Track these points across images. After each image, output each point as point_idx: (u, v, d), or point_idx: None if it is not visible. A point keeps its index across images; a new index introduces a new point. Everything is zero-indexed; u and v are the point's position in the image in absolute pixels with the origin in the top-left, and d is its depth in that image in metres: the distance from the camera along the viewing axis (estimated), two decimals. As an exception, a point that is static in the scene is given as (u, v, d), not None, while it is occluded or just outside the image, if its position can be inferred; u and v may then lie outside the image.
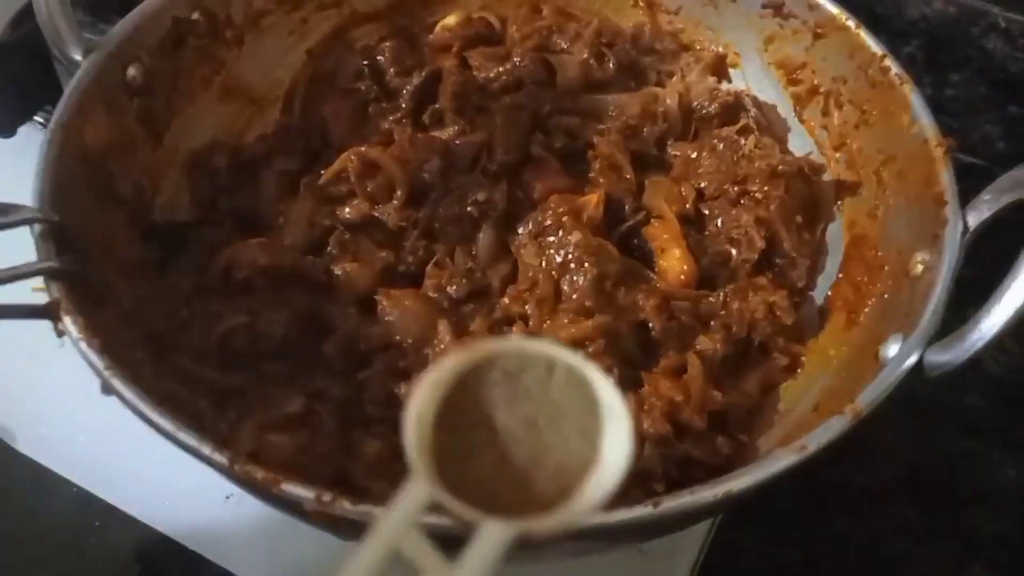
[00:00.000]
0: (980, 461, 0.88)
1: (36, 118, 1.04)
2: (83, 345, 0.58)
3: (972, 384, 0.93)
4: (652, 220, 0.81)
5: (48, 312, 0.60)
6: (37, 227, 0.64)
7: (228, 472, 0.54)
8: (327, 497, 0.52)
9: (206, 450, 0.54)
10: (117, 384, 0.57)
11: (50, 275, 0.61)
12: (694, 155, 0.85)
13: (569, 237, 0.74)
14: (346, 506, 0.52)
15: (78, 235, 0.67)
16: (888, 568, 0.82)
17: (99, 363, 0.58)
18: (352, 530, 0.56)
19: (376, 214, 0.79)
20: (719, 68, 0.93)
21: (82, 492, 0.81)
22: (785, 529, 0.83)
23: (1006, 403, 0.92)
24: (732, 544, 0.80)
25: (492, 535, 0.42)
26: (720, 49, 0.93)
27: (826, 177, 0.84)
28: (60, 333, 0.60)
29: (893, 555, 0.83)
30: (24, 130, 1.02)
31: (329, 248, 0.80)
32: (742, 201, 0.81)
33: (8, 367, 0.88)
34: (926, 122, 0.74)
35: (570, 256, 0.73)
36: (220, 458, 0.54)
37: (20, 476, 0.83)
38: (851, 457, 0.86)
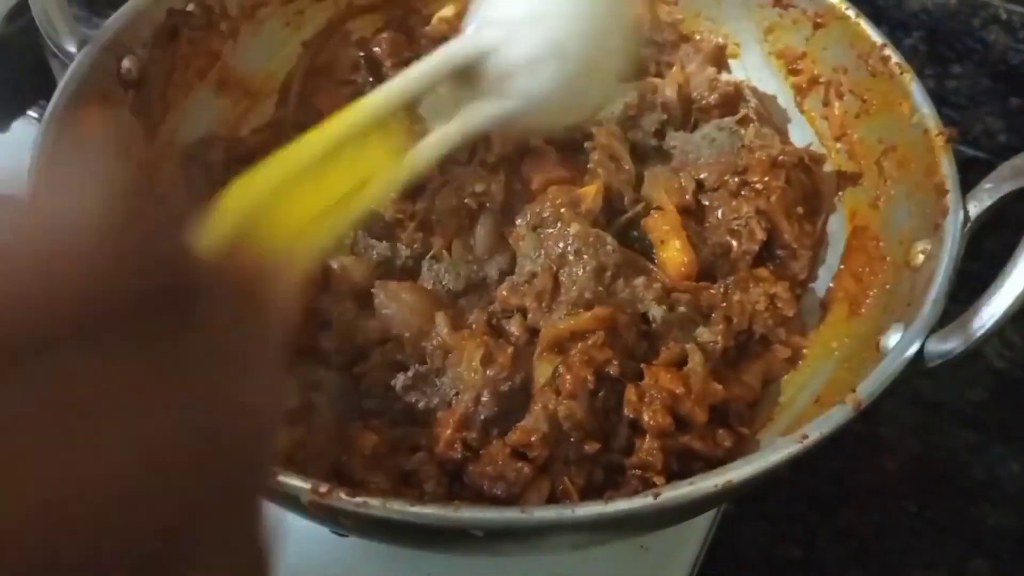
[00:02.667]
0: (983, 455, 0.88)
1: (30, 113, 1.04)
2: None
3: (975, 378, 0.93)
4: (651, 211, 0.80)
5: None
6: (31, 220, 0.63)
7: (223, 465, 0.53)
8: (324, 489, 0.52)
9: (201, 442, 0.53)
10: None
11: (44, 267, 0.61)
12: (694, 146, 0.85)
13: (568, 229, 0.74)
14: (343, 498, 0.51)
15: (72, 228, 0.66)
16: (890, 562, 0.82)
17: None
18: (350, 523, 0.56)
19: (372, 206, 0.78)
20: (719, 58, 0.93)
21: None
22: (787, 524, 0.83)
23: (1009, 397, 0.92)
24: (734, 539, 0.80)
25: None
26: (720, 39, 0.93)
27: (827, 168, 0.84)
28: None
29: (895, 549, 0.82)
30: (18, 125, 1.02)
31: (325, 241, 0.80)
32: (742, 192, 0.80)
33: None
34: (927, 111, 0.74)
35: (569, 248, 0.73)
36: (215, 450, 0.53)
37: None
38: (853, 451, 0.86)
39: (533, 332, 0.71)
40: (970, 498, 0.85)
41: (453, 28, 0.93)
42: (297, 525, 0.73)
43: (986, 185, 0.67)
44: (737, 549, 0.80)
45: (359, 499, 0.52)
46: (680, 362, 0.70)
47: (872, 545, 0.83)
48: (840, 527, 0.83)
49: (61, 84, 0.72)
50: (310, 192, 0.43)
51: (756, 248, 0.78)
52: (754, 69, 0.92)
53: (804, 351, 0.75)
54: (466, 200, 0.78)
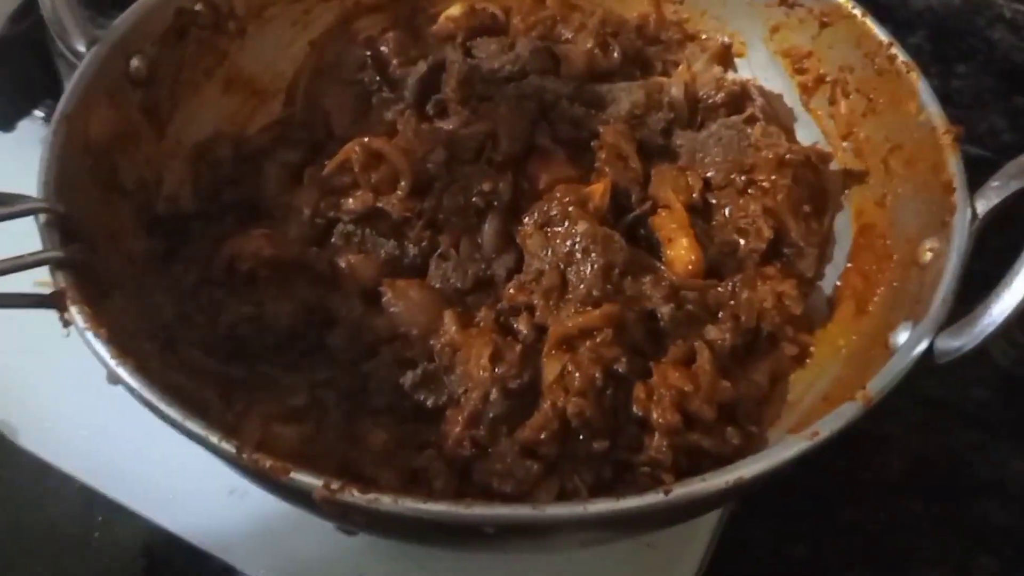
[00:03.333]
0: (987, 453, 0.88)
1: (36, 112, 1.04)
2: (89, 335, 0.58)
3: (979, 377, 0.92)
4: (659, 210, 0.80)
5: (54, 302, 0.60)
6: (42, 217, 0.63)
7: (236, 461, 0.53)
8: (335, 485, 0.51)
9: (214, 439, 0.54)
10: (124, 374, 0.56)
11: (55, 264, 0.61)
12: (700, 144, 0.85)
13: (575, 227, 0.74)
14: (355, 494, 0.51)
15: (83, 225, 0.66)
16: (895, 560, 0.82)
17: (106, 353, 0.57)
18: (361, 520, 0.56)
19: (380, 205, 0.78)
20: (725, 57, 0.93)
21: (85, 488, 0.81)
22: (793, 522, 0.83)
23: (1013, 396, 0.92)
24: (740, 538, 0.80)
25: None
26: (726, 38, 0.94)
27: (833, 166, 0.84)
28: (66, 323, 0.60)
29: (900, 547, 0.82)
30: (24, 124, 1.02)
31: (333, 239, 0.80)
32: (749, 191, 0.81)
33: (10, 362, 0.88)
34: (934, 110, 0.74)
35: (576, 246, 0.73)
36: (228, 447, 0.53)
37: (23, 471, 0.83)
38: (858, 450, 0.86)
39: (541, 330, 0.72)
40: (975, 496, 0.85)
41: (460, 27, 0.93)
42: (304, 523, 0.74)
43: (993, 183, 0.67)
44: (743, 547, 0.80)
45: (370, 495, 0.52)
46: (688, 360, 0.71)
47: (877, 543, 0.83)
48: (845, 525, 0.83)
49: (71, 83, 0.72)
50: None
51: (763, 246, 0.79)
52: (760, 68, 0.92)
53: (812, 349, 0.76)
54: (474, 199, 0.78)
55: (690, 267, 0.77)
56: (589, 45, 0.91)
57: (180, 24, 0.82)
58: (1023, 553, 0.82)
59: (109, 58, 0.75)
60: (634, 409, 0.68)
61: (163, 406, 0.55)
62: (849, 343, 0.73)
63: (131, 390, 0.56)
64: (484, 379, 0.67)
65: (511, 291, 0.75)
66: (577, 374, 0.67)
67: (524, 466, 0.65)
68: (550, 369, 0.68)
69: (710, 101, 0.88)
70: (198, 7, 0.83)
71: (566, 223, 0.75)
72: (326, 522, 0.70)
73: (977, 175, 0.69)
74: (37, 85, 1.01)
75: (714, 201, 0.82)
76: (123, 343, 0.59)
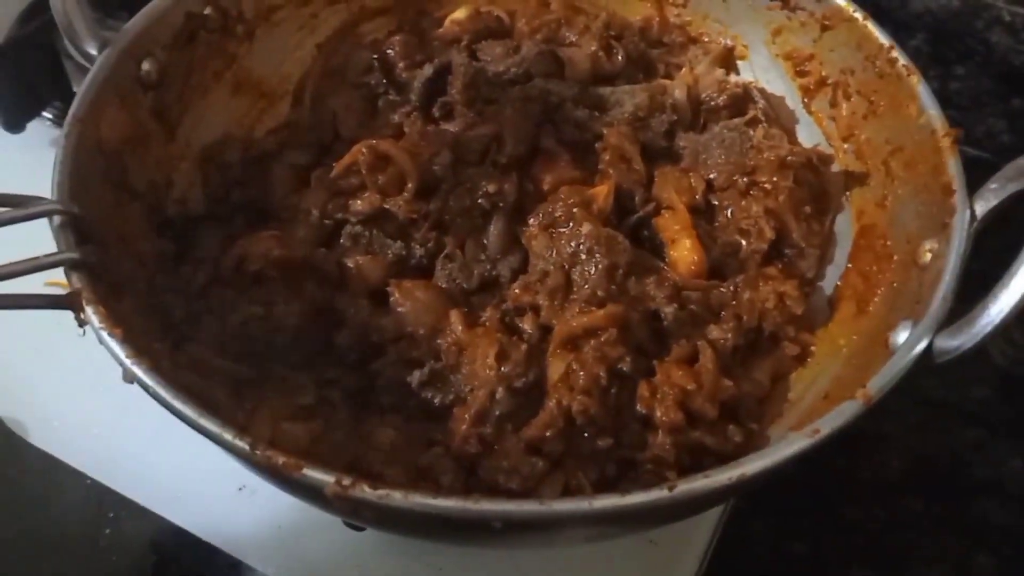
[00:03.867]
0: (986, 453, 0.89)
1: (45, 114, 1.04)
2: (105, 335, 0.59)
3: (978, 376, 0.93)
4: (662, 211, 0.81)
5: (70, 302, 0.60)
6: (56, 219, 0.64)
7: (249, 458, 0.54)
8: (347, 481, 0.52)
9: (228, 436, 0.54)
10: (140, 373, 0.57)
11: (71, 266, 0.62)
12: (703, 146, 0.86)
13: (580, 228, 0.75)
14: (366, 490, 0.52)
15: (95, 227, 0.67)
16: (894, 559, 0.83)
17: (122, 353, 0.58)
18: (372, 515, 0.57)
19: (387, 206, 0.79)
20: (727, 60, 0.94)
21: (95, 484, 0.81)
22: (793, 520, 0.83)
23: (1012, 395, 0.93)
24: (741, 535, 0.81)
25: None
26: (728, 41, 0.94)
27: (834, 168, 0.85)
28: (82, 323, 0.60)
29: (899, 546, 0.83)
30: (32, 126, 1.03)
31: (341, 241, 0.80)
32: (751, 192, 0.81)
33: (20, 360, 0.89)
34: (934, 112, 0.75)
35: (581, 247, 0.74)
36: (242, 444, 0.54)
37: (34, 468, 0.83)
38: (858, 449, 0.87)
39: (546, 330, 0.72)
40: (974, 495, 0.86)
41: (465, 30, 0.94)
42: (313, 518, 0.75)
43: (992, 185, 0.68)
44: (744, 544, 0.81)
45: (381, 491, 0.52)
46: (691, 359, 0.71)
47: (877, 541, 0.83)
48: (845, 523, 0.84)
49: (83, 85, 0.73)
50: None
51: (765, 247, 0.79)
52: (762, 71, 0.93)
53: (812, 348, 0.76)
54: (479, 200, 0.79)
55: (693, 268, 0.78)
56: (593, 48, 0.91)
57: (190, 28, 0.82)
58: (1022, 552, 0.83)
59: (120, 61, 0.76)
60: (638, 407, 0.68)
61: (178, 404, 0.56)
62: (849, 343, 0.74)
63: (147, 388, 0.57)
64: (490, 378, 0.68)
65: (516, 291, 0.76)
66: (582, 373, 0.68)
67: (529, 463, 0.65)
68: (555, 368, 0.69)
69: (712, 103, 0.89)
70: (207, 11, 0.84)
71: (570, 224, 0.76)
72: (334, 518, 0.72)
73: (976, 177, 0.69)
74: (45, 87, 1.02)
75: (716, 202, 0.83)
76: (136, 343, 0.59)
